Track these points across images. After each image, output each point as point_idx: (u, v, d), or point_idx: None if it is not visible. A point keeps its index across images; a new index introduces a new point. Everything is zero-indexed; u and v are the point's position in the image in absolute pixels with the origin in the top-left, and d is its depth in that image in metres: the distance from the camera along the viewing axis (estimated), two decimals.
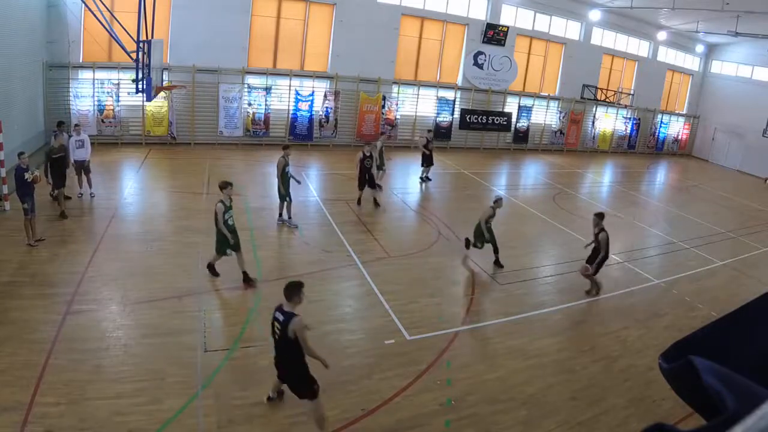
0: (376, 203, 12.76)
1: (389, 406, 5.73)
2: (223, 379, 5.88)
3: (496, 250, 9.82)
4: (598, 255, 8.73)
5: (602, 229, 8.74)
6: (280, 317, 4.81)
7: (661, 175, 24.15)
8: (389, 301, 8.05)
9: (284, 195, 10.53)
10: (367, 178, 12.38)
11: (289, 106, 18.44)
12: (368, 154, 12.30)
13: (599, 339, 7.78)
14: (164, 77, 14.28)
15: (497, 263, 9.86)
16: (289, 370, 5.00)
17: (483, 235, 9.65)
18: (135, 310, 7.07)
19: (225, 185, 7.74)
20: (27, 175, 8.46)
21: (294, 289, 4.84)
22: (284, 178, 10.38)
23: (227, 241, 7.76)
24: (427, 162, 15.48)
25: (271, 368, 6.14)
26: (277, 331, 4.85)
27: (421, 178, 15.73)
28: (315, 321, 7.35)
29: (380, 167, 14.07)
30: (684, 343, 1.45)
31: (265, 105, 17.97)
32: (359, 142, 19.74)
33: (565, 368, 6.92)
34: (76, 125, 11.63)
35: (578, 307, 8.75)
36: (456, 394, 6.06)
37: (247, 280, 7.99)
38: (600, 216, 8.86)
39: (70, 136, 10.98)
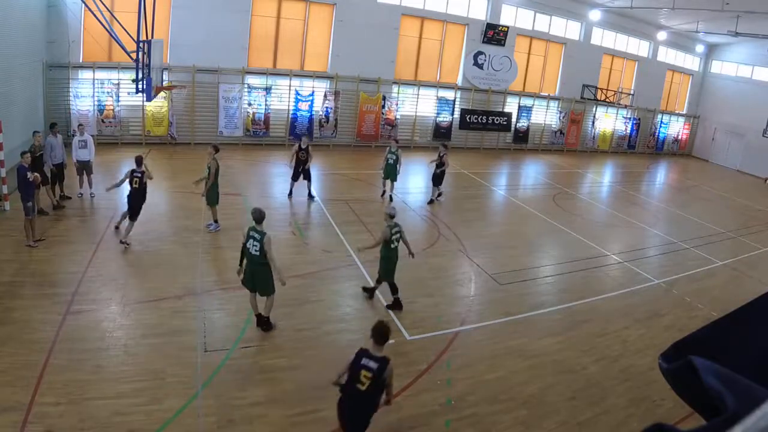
0: (310, 195, 12.66)
1: (389, 406, 5.73)
2: (223, 379, 5.87)
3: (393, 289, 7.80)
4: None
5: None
6: (372, 365, 4.35)
7: (661, 175, 24.15)
8: (389, 301, 8.05)
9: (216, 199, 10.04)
10: (301, 171, 12.36)
11: (289, 106, 18.44)
12: (304, 147, 12.23)
13: (599, 339, 7.78)
14: (164, 77, 14.28)
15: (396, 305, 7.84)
16: (363, 418, 4.50)
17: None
18: (135, 310, 7.07)
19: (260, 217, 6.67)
20: (29, 175, 8.46)
21: (386, 333, 4.49)
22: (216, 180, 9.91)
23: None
24: (437, 181, 13.54)
25: (270, 368, 6.16)
26: (365, 380, 4.35)
27: (432, 199, 13.72)
28: (315, 321, 7.40)
29: (388, 176, 13.15)
30: (684, 343, 1.45)
31: (265, 105, 17.96)
32: (359, 142, 19.80)
33: (565, 368, 6.92)
34: (79, 125, 11.62)
35: (578, 307, 8.75)
36: (456, 394, 6.06)
37: (262, 324, 6.93)
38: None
39: (72, 136, 10.96)
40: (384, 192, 13.72)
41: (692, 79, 28.84)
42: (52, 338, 6.18)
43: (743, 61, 26.51)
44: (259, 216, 6.64)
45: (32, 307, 6.82)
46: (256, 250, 6.52)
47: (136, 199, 9.22)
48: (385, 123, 20.11)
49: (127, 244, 9.04)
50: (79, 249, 8.74)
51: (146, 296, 7.43)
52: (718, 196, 19.85)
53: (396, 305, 7.84)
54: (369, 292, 8.17)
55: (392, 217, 7.59)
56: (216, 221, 10.14)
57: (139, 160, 9.39)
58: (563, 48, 23.85)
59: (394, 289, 7.80)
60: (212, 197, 9.96)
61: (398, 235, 7.61)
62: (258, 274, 6.65)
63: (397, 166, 13.00)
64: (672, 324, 8.55)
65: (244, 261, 6.70)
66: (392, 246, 7.54)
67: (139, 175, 9.22)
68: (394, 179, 13.27)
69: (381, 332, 4.45)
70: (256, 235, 6.53)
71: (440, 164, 13.31)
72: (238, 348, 6.49)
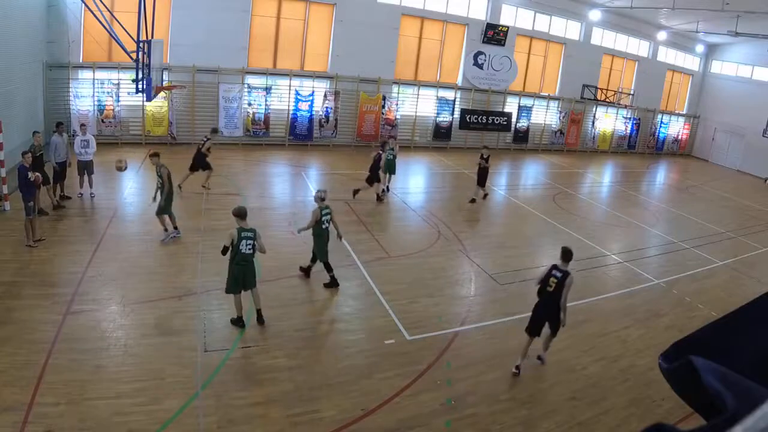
0: (356, 192, 13.08)
1: (389, 406, 5.73)
2: (223, 379, 5.87)
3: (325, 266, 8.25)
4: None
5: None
6: (558, 274, 6.38)
7: (661, 175, 24.14)
8: (389, 301, 8.05)
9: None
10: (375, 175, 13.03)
11: (289, 106, 18.44)
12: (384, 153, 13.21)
13: (599, 339, 7.78)
14: (164, 77, 14.28)
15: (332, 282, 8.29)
16: (552, 315, 6.46)
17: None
18: (135, 310, 7.07)
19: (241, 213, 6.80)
20: (30, 175, 8.46)
21: (570, 254, 6.54)
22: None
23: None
24: (482, 181, 14.01)
25: (270, 368, 6.16)
26: (553, 285, 6.36)
27: (473, 199, 14.15)
28: (314, 321, 7.40)
29: (388, 170, 13.91)
30: (684, 343, 1.45)
31: (265, 105, 17.97)
32: (359, 142, 19.79)
33: (565, 368, 6.92)
34: (82, 125, 11.63)
35: (578, 307, 8.74)
36: (456, 394, 6.06)
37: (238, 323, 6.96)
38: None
39: (73, 136, 10.96)
40: (383, 191, 13.78)
41: (692, 79, 28.84)
42: (52, 338, 6.18)
43: (743, 61, 26.51)
44: (245, 212, 6.81)
45: (32, 307, 6.82)
46: (250, 249, 6.65)
47: (197, 158, 12.36)
48: (385, 123, 20.11)
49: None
50: (79, 249, 8.74)
51: (146, 296, 7.43)
52: (718, 196, 19.84)
53: (333, 284, 8.26)
54: (305, 271, 8.51)
55: (322, 200, 8.06)
56: (176, 228, 9.59)
57: (215, 130, 13.35)
58: (563, 48, 23.85)
59: (328, 268, 8.25)
60: (168, 206, 9.40)
61: (328, 216, 8.09)
62: (250, 270, 6.79)
63: (395, 160, 13.93)
64: (672, 324, 8.55)
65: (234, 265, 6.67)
66: (323, 226, 8.01)
67: (205, 140, 12.39)
68: (393, 173, 14.14)
69: (567, 253, 6.54)
70: (250, 234, 6.68)
71: (485, 164, 13.95)
72: (238, 348, 6.49)
